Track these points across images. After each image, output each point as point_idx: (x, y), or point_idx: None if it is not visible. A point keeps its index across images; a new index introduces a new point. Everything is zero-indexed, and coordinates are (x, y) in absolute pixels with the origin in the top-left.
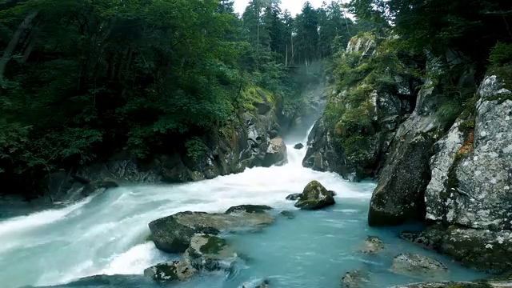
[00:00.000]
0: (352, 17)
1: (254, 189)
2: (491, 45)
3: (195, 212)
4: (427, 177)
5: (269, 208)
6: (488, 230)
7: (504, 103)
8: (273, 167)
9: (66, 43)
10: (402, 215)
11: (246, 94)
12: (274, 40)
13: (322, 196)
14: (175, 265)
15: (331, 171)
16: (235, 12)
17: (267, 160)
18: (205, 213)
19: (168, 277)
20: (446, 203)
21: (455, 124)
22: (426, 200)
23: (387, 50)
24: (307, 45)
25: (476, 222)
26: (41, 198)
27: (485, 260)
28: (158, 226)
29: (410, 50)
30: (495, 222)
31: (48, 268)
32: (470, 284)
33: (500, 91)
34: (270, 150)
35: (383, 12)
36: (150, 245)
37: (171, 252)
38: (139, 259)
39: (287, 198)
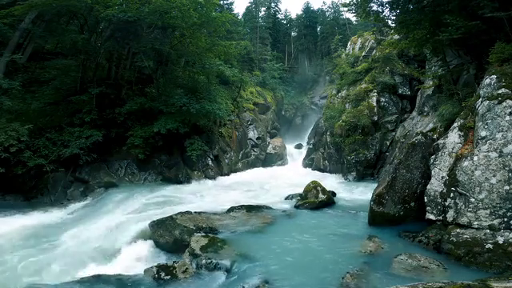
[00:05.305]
0: (352, 17)
1: (253, 189)
2: (491, 45)
3: (195, 212)
4: (427, 177)
5: (268, 208)
6: (488, 230)
7: (504, 103)
8: (273, 167)
9: (66, 43)
10: (401, 215)
11: (245, 93)
12: (274, 40)
13: (321, 196)
14: (175, 265)
15: (331, 171)
16: (235, 12)
17: (267, 160)
18: (205, 213)
19: (168, 277)
20: (446, 203)
21: (455, 124)
22: (426, 200)
23: (387, 50)
24: (307, 45)
25: (476, 222)
26: (41, 198)
27: (485, 260)
28: (158, 225)
29: (409, 50)
30: (495, 221)
31: (48, 267)
32: (469, 284)
33: (500, 91)
34: (270, 149)
35: (383, 12)
36: (150, 245)
37: (171, 252)
38: (139, 259)
39: (287, 198)
